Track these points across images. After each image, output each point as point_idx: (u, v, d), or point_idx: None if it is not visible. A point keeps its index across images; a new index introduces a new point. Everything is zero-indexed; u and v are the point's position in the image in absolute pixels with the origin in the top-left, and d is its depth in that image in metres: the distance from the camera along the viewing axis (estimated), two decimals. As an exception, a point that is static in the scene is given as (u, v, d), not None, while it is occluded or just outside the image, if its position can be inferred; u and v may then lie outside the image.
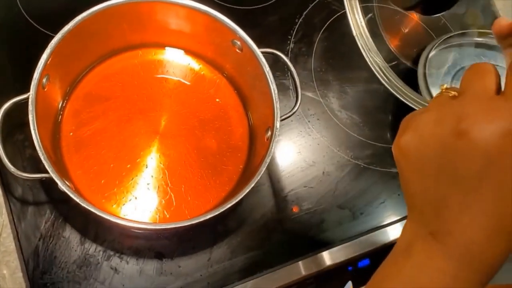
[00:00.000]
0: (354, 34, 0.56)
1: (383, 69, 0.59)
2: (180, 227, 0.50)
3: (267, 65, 0.56)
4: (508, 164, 0.28)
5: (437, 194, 0.31)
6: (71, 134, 0.58)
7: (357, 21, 0.56)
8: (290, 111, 0.58)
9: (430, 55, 0.70)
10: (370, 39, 0.58)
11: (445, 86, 0.34)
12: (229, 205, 0.50)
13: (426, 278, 0.32)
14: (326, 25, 0.73)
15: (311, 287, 0.60)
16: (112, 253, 0.57)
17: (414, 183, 0.33)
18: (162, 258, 0.58)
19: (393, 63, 0.67)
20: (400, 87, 0.55)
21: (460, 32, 0.72)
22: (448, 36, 0.72)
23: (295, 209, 0.64)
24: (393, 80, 0.55)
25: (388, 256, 0.35)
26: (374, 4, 0.61)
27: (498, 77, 0.31)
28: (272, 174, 0.65)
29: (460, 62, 0.72)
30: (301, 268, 0.60)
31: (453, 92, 0.32)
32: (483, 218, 0.29)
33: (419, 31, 0.74)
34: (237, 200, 0.51)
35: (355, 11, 0.56)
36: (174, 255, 0.58)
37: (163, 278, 0.57)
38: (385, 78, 0.57)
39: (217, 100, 0.63)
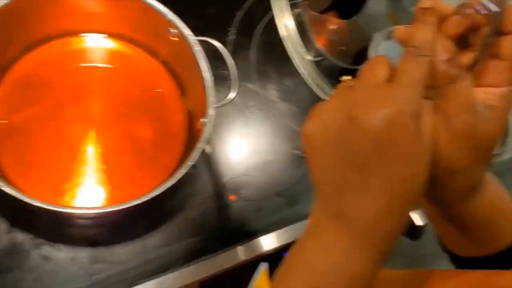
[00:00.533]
0: (281, 36, 0.58)
1: (309, 70, 0.60)
2: (104, 212, 0.51)
3: (202, 52, 0.57)
4: (393, 147, 0.30)
5: (337, 177, 0.33)
6: (3, 121, 0.57)
7: (284, 21, 0.57)
8: (226, 99, 0.59)
9: (370, 50, 0.72)
10: (298, 40, 0.58)
11: (344, 77, 0.36)
12: (155, 193, 0.51)
13: (329, 254, 0.34)
14: (266, 19, 0.74)
15: (247, 272, 0.61)
16: (43, 241, 0.56)
17: (318, 167, 0.34)
18: (96, 246, 0.58)
19: (320, 58, 0.69)
20: (323, 86, 0.56)
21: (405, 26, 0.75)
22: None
23: (233, 197, 0.64)
24: (316, 79, 0.56)
25: (301, 236, 0.37)
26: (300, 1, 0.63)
27: (390, 68, 0.33)
28: (211, 163, 0.66)
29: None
30: (239, 253, 0.61)
31: (352, 83, 0.34)
32: (375, 199, 0.31)
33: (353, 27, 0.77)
34: (165, 188, 0.51)
35: (284, 14, 0.57)
36: (108, 243, 0.58)
37: (97, 266, 0.57)
38: (311, 80, 0.58)
39: (155, 87, 0.64)
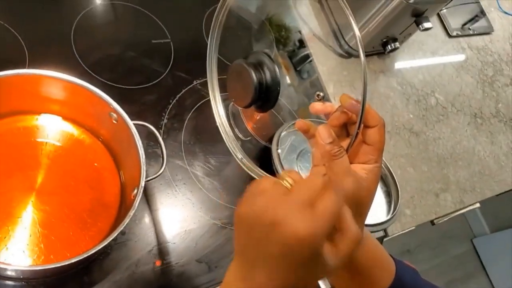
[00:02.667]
0: (217, 123, 0.68)
1: (239, 152, 0.70)
2: (34, 271, 0.56)
3: (137, 134, 0.67)
4: (298, 256, 0.39)
5: (253, 256, 0.42)
6: None
7: (218, 112, 0.69)
8: (156, 174, 0.69)
9: (282, 135, 0.87)
10: (229, 128, 0.69)
11: (286, 179, 0.44)
12: (83, 256, 0.57)
13: None
14: (196, 106, 0.87)
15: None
16: (-25, 300, 0.60)
17: (241, 242, 0.44)
18: (27, 305, 0.62)
19: (248, 138, 0.83)
20: (252, 168, 0.67)
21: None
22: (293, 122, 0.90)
23: (158, 263, 0.72)
24: (245, 161, 0.67)
25: None
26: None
27: (315, 189, 0.42)
28: (139, 230, 0.73)
29: (303, 144, 0.89)
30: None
31: (288, 184, 0.43)
32: (270, 274, 0.41)
33: (271, 116, 0.92)
34: (89, 254, 0.58)
35: (217, 103, 0.69)
36: (39, 302, 0.63)
37: (26, 325, 0.61)
38: (240, 159, 0.68)
39: (93, 162, 0.72)
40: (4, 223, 0.63)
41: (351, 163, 0.47)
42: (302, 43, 0.98)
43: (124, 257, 0.70)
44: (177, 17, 0.96)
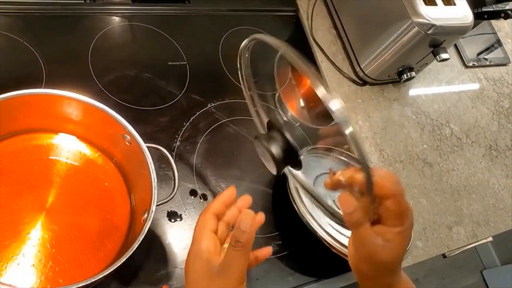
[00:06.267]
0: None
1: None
2: None
3: (150, 157, 0.67)
4: None
5: None
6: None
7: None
8: (167, 198, 0.68)
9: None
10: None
11: None
12: (86, 283, 0.55)
13: None
14: (209, 130, 0.86)
15: None
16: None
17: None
18: (31, 327, 0.61)
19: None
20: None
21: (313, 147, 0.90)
22: (310, 148, 0.89)
23: (165, 287, 0.71)
24: None
25: None
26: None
27: None
28: (147, 254, 0.72)
29: (320, 169, 0.88)
30: None
31: None
32: None
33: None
34: (96, 278, 0.56)
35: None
36: (43, 325, 0.62)
37: None
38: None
39: (105, 183, 0.72)
40: (13, 242, 0.63)
41: (380, 223, 0.49)
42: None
43: (131, 280, 0.69)
44: (194, 40, 0.97)
